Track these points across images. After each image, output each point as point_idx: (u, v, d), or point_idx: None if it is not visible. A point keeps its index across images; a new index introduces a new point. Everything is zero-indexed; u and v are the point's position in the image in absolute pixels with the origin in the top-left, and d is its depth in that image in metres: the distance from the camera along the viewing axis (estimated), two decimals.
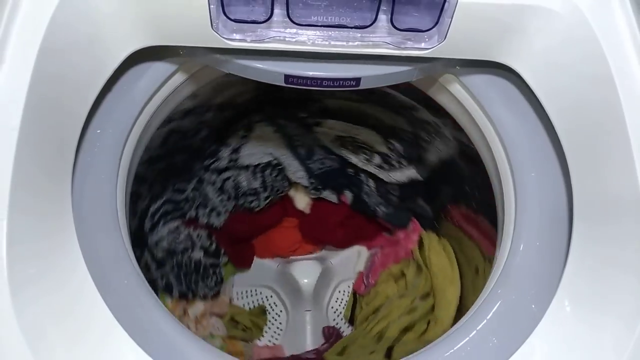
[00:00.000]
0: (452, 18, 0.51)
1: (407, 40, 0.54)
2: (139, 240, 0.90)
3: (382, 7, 0.52)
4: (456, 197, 0.98)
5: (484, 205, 0.82)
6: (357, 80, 0.58)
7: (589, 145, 0.50)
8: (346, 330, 1.12)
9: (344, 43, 0.54)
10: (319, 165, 1.05)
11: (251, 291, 1.13)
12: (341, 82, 0.58)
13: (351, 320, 1.12)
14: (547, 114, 0.57)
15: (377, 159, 1.05)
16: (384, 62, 0.59)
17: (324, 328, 1.10)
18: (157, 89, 0.61)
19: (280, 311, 1.13)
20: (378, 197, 1.07)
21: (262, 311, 1.11)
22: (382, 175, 1.05)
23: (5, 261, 0.40)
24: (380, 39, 0.54)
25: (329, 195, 1.08)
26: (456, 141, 0.85)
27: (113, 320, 0.45)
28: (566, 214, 0.55)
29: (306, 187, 1.07)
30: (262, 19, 0.53)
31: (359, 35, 0.54)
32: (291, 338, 1.09)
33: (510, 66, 0.56)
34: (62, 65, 0.47)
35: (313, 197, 1.10)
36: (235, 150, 1.03)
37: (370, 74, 0.58)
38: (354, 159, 1.05)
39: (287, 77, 0.58)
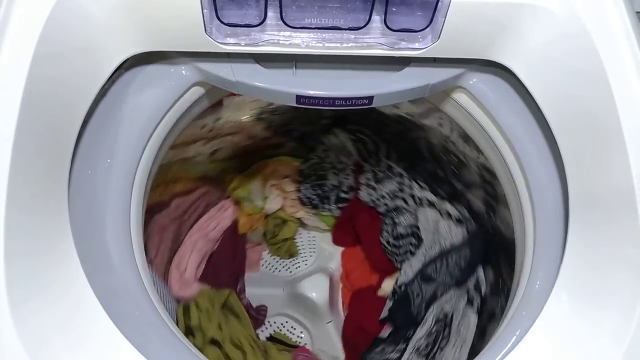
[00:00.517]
0: (445, 18, 0.52)
1: (400, 40, 0.55)
2: None
3: (376, 8, 0.53)
4: None
5: None
6: (370, 98, 0.58)
7: (583, 141, 0.50)
8: None
9: (338, 45, 0.54)
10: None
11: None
12: (354, 100, 0.58)
13: None
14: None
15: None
16: (397, 79, 0.58)
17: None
18: (171, 106, 0.59)
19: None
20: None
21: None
22: None
23: (4, 275, 0.40)
24: (374, 40, 0.54)
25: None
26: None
27: (114, 328, 0.45)
28: None
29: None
30: (255, 22, 0.53)
31: (353, 36, 0.54)
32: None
33: (504, 64, 0.56)
34: (56, 72, 0.46)
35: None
36: None
37: (382, 92, 0.58)
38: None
39: (299, 98, 0.57)
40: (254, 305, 1.08)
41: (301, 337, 1.09)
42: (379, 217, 1.07)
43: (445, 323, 0.91)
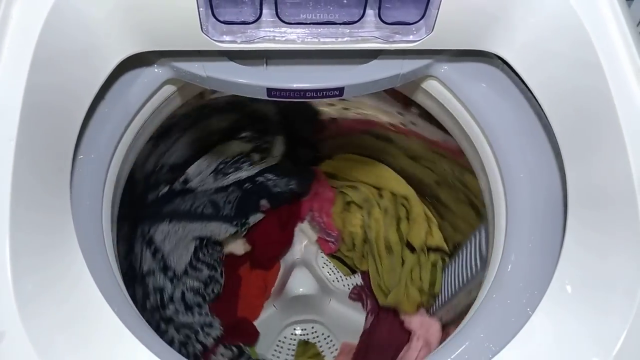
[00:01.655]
0: (438, 10, 0.52)
1: (395, 33, 0.55)
2: None
3: (370, 2, 0.53)
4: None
5: None
6: (341, 89, 0.59)
7: (580, 130, 0.51)
8: (358, 279, 1.15)
9: (334, 39, 0.55)
10: (229, 207, 1.03)
11: (279, 345, 1.11)
12: (324, 92, 0.58)
13: (352, 271, 1.17)
14: (535, 106, 0.58)
15: (255, 157, 1.06)
16: (367, 70, 0.59)
17: (349, 296, 1.13)
18: (148, 98, 0.61)
19: (312, 327, 1.12)
20: (283, 179, 1.08)
21: (304, 345, 1.09)
22: (270, 161, 1.07)
23: (10, 275, 0.40)
24: (369, 34, 0.55)
25: (254, 218, 1.07)
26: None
27: (120, 325, 0.45)
28: (559, 213, 0.55)
29: (236, 233, 1.05)
30: (251, 19, 0.53)
31: (348, 31, 0.55)
32: (343, 331, 1.10)
33: (499, 55, 0.56)
34: (55, 74, 0.47)
35: (244, 233, 1.09)
36: (164, 269, 0.96)
37: (353, 83, 0.59)
38: (242, 174, 1.05)
39: (270, 91, 0.58)
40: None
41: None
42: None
43: None
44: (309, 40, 0.55)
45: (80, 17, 0.49)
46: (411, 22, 0.54)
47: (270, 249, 1.15)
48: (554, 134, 0.53)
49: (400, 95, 0.71)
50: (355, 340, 1.05)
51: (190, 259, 0.99)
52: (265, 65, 0.60)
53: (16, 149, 0.42)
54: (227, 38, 0.54)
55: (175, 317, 0.95)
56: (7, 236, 0.41)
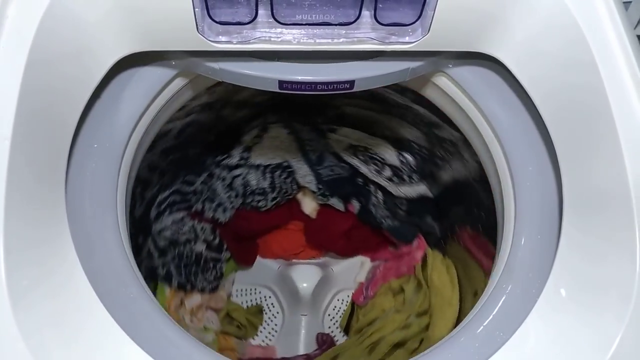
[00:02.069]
0: (434, 11, 0.52)
1: (391, 35, 0.55)
2: (144, 227, 0.91)
3: (365, 3, 0.53)
4: (465, 219, 0.96)
5: (490, 229, 0.79)
6: (351, 82, 0.59)
7: (576, 131, 0.51)
8: (340, 339, 1.12)
9: (329, 40, 0.55)
10: (328, 172, 1.05)
11: (250, 290, 1.14)
12: (335, 85, 0.59)
13: (346, 330, 1.12)
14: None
15: (387, 172, 1.06)
16: (377, 64, 0.59)
17: (317, 334, 1.10)
18: (157, 94, 0.61)
19: (277, 312, 1.13)
20: (385, 210, 1.07)
21: (259, 310, 1.12)
22: (392, 188, 1.06)
23: (4, 270, 0.41)
24: (365, 35, 0.55)
25: (336, 203, 1.08)
26: (475, 163, 0.82)
27: (112, 321, 0.45)
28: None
29: (314, 193, 1.07)
30: (247, 20, 0.53)
31: (344, 32, 0.55)
32: (285, 340, 1.09)
33: (494, 56, 0.56)
34: (50, 74, 0.47)
35: (320, 202, 1.10)
36: (248, 149, 1.04)
37: (363, 76, 0.59)
38: (364, 168, 1.05)
39: (281, 83, 0.58)
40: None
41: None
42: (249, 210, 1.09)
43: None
44: (304, 41, 0.55)
45: (76, 17, 0.49)
46: (407, 23, 0.54)
47: (325, 239, 1.14)
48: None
49: None
50: (280, 355, 1.06)
51: (268, 165, 1.05)
52: (276, 58, 0.60)
53: (11, 148, 0.43)
54: (223, 38, 0.54)
55: (215, 178, 1.02)
56: (2, 233, 0.41)
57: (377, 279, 1.10)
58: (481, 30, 0.55)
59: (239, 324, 1.06)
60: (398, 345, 0.96)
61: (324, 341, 1.09)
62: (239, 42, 0.54)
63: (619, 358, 0.43)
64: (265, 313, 1.12)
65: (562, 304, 0.47)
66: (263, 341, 1.09)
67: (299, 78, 0.58)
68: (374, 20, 0.54)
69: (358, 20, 0.54)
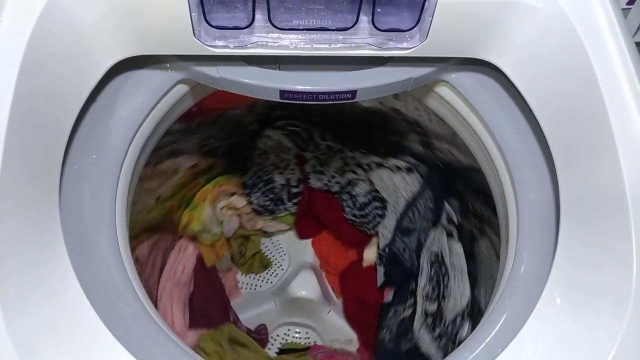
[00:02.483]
0: (432, 17, 0.52)
1: (389, 40, 0.55)
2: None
3: (363, 9, 0.53)
4: None
5: None
6: (353, 92, 0.59)
7: (573, 138, 0.51)
8: None
9: (327, 45, 0.55)
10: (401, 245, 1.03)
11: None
12: (337, 95, 0.58)
13: None
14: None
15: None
16: (379, 74, 0.59)
17: None
18: (161, 97, 0.61)
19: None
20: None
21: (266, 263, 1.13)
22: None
23: None
24: (362, 40, 0.55)
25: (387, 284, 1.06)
26: None
27: (102, 325, 0.45)
28: None
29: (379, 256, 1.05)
30: (244, 24, 0.53)
31: (341, 37, 0.54)
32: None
33: (492, 62, 0.56)
34: (45, 77, 0.47)
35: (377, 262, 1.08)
36: None
37: (365, 86, 0.59)
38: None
39: (282, 93, 0.58)
40: (253, 328, 1.08)
41: (309, 338, 1.10)
42: (335, 197, 1.09)
43: (439, 262, 0.95)
44: (301, 46, 0.54)
45: (71, 21, 0.48)
46: (405, 29, 0.54)
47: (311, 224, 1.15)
48: None
49: None
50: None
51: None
52: (277, 67, 0.60)
53: (4, 152, 0.42)
54: (220, 43, 0.54)
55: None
56: None
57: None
58: (479, 37, 0.54)
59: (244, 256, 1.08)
60: None
61: None
62: (235, 47, 0.54)
63: None
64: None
65: (559, 312, 0.47)
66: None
67: (301, 88, 0.57)
68: (372, 26, 0.54)
69: (356, 26, 0.54)
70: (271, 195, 1.11)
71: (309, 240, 1.19)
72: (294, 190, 1.12)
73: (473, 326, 0.86)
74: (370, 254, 1.09)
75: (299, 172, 1.11)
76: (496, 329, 0.50)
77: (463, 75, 0.61)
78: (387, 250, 1.02)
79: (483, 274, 0.86)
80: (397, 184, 1.02)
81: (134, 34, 0.52)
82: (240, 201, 1.10)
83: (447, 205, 0.99)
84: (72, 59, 0.49)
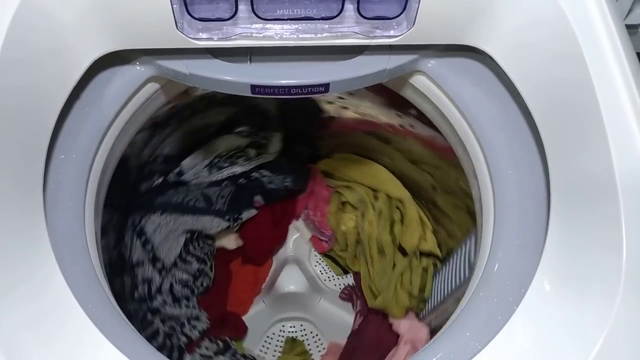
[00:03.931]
0: (419, 3, 0.51)
1: (375, 28, 0.54)
2: None
3: None
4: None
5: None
6: (326, 85, 0.57)
7: (563, 124, 0.50)
8: (350, 279, 1.15)
9: (312, 35, 0.54)
10: (221, 202, 1.02)
11: (267, 341, 1.11)
12: (309, 88, 0.57)
13: (345, 271, 1.16)
14: (522, 102, 0.57)
15: (251, 152, 1.05)
16: (354, 66, 0.58)
17: (340, 296, 1.12)
18: (131, 96, 0.59)
19: (301, 325, 1.12)
20: (278, 176, 1.08)
21: (292, 342, 1.09)
22: (266, 158, 1.06)
23: None
24: (349, 29, 0.54)
25: (248, 214, 1.06)
26: None
27: (89, 322, 0.45)
28: (545, 210, 0.54)
29: (228, 227, 1.04)
30: (227, 16, 0.52)
31: (327, 26, 0.53)
32: (331, 330, 1.09)
33: (481, 49, 0.55)
34: (24, 74, 0.46)
35: (236, 229, 1.08)
36: (153, 260, 0.94)
37: (338, 79, 0.57)
38: (237, 168, 1.04)
39: (254, 88, 0.57)
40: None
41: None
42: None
43: None
44: (287, 36, 0.53)
45: (50, 15, 0.47)
46: (391, 16, 0.53)
47: (262, 245, 1.14)
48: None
49: (397, 97, 0.70)
50: (343, 340, 1.05)
51: (180, 251, 0.98)
52: (249, 61, 0.59)
53: None
54: (203, 35, 0.53)
55: (162, 308, 0.94)
56: None
57: (319, 220, 1.14)
58: (468, 22, 0.53)
59: None
60: (391, 228, 1.04)
61: (349, 293, 1.11)
62: (219, 39, 0.53)
63: (607, 350, 0.42)
64: (297, 337, 1.10)
65: (549, 299, 0.47)
66: (321, 351, 1.09)
67: (273, 82, 0.56)
68: (358, 14, 0.53)
69: (341, 14, 0.53)
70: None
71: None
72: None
73: None
74: (230, 243, 1.10)
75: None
76: (469, 321, 0.49)
77: (439, 64, 0.60)
78: (227, 216, 1.04)
79: None
80: None
81: (115, 28, 0.51)
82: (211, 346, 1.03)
83: None
84: (52, 54, 0.48)
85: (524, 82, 0.53)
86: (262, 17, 0.52)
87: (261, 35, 0.53)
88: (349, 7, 0.53)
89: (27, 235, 0.47)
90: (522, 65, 0.53)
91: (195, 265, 1.01)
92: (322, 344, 1.09)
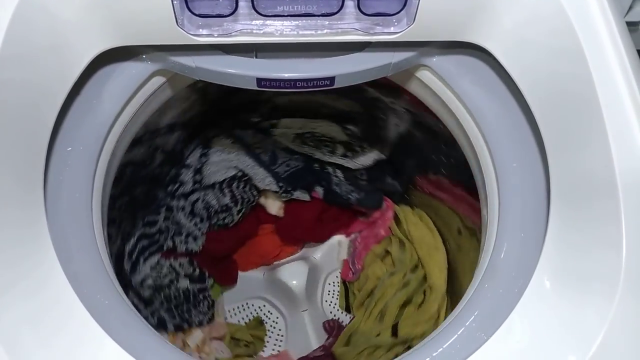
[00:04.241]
0: (419, 0, 0.51)
1: (375, 25, 0.54)
2: (123, 285, 0.84)
3: None
4: (421, 167, 1.01)
5: (452, 168, 0.85)
6: (331, 79, 0.58)
7: (563, 121, 0.50)
8: (345, 319, 1.12)
9: (313, 32, 0.54)
10: (284, 168, 1.04)
11: (243, 306, 1.11)
12: (315, 82, 0.57)
13: (347, 309, 1.13)
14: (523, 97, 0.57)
15: (340, 149, 1.06)
16: (359, 59, 0.58)
17: (324, 323, 1.09)
18: (137, 89, 0.59)
19: (277, 317, 1.11)
20: (348, 185, 1.07)
21: (259, 322, 1.10)
22: (348, 163, 1.06)
23: None
24: (349, 26, 0.54)
25: (301, 195, 1.07)
26: (409, 113, 0.88)
27: (90, 318, 0.45)
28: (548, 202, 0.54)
29: (276, 192, 1.06)
30: (227, 12, 0.52)
31: (327, 22, 0.53)
32: (294, 341, 1.08)
33: (481, 45, 0.55)
34: (25, 70, 0.46)
35: (284, 200, 1.09)
36: (198, 171, 1.01)
37: (344, 72, 0.58)
38: (317, 154, 1.05)
39: (260, 81, 0.57)
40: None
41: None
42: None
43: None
44: (287, 32, 0.53)
45: (50, 12, 0.47)
46: (392, 13, 0.53)
47: (297, 232, 1.13)
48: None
49: None
50: (295, 357, 1.04)
51: (223, 180, 1.02)
52: (255, 55, 0.59)
53: None
54: (204, 32, 0.53)
55: (175, 210, 0.99)
56: None
57: (360, 251, 1.12)
58: (468, 19, 0.53)
59: (246, 343, 1.05)
60: (405, 304, 0.99)
61: (332, 327, 1.08)
62: (220, 35, 0.53)
63: (606, 347, 0.42)
64: (266, 322, 1.10)
65: (548, 295, 0.47)
66: (274, 349, 1.08)
67: (278, 75, 0.56)
68: (358, 10, 0.53)
69: (341, 11, 0.53)
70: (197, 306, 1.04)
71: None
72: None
73: None
74: (273, 207, 1.10)
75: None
76: (475, 312, 0.49)
77: (444, 59, 0.60)
78: (281, 184, 1.05)
79: None
80: None
81: (116, 24, 0.51)
82: (196, 335, 1.00)
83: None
84: (52, 50, 0.48)
85: (524, 78, 0.53)
86: (263, 13, 0.52)
87: (261, 31, 0.53)
88: (349, 4, 0.53)
89: (27, 230, 0.47)
90: (522, 61, 0.53)
91: (226, 200, 1.03)
92: (280, 346, 1.09)
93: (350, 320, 1.06)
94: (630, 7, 0.93)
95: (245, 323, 1.09)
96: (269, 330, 1.09)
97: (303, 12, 0.53)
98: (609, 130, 0.45)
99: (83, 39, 0.50)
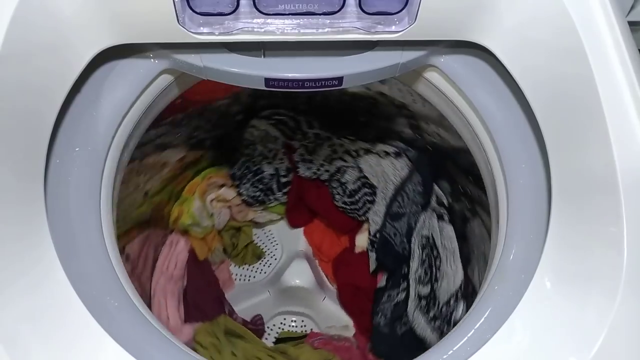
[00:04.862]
0: None
1: (377, 24, 0.54)
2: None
3: None
4: None
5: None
6: (340, 79, 0.58)
7: (564, 121, 0.50)
8: None
9: (314, 30, 0.54)
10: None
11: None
12: (323, 82, 0.57)
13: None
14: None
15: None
16: (367, 59, 0.58)
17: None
18: (145, 88, 0.59)
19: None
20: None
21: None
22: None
23: None
24: (350, 24, 0.54)
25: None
26: None
27: (89, 316, 0.45)
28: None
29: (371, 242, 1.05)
30: (228, 10, 0.52)
31: (328, 21, 0.53)
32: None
33: (483, 44, 0.55)
34: (25, 68, 0.46)
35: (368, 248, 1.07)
36: None
37: (352, 72, 0.57)
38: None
39: (268, 81, 0.57)
40: (249, 319, 1.07)
41: (305, 326, 1.10)
42: (324, 185, 1.09)
43: (430, 245, 0.96)
44: (288, 31, 0.53)
45: (51, 11, 0.47)
46: (393, 11, 0.53)
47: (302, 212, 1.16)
48: None
49: None
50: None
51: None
52: (262, 55, 0.59)
53: None
54: (205, 30, 0.53)
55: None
56: None
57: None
58: (470, 18, 0.53)
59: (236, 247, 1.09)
60: None
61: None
62: (221, 34, 0.53)
63: (607, 347, 0.42)
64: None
65: (550, 296, 0.47)
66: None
67: (285, 75, 0.56)
68: (359, 9, 0.53)
69: (343, 9, 0.53)
70: (260, 186, 1.10)
71: (301, 229, 1.18)
72: (283, 180, 1.11)
73: (467, 306, 0.86)
74: (361, 240, 1.09)
75: (288, 162, 1.10)
76: (486, 314, 0.49)
77: (452, 60, 0.60)
78: (378, 235, 1.02)
79: (476, 254, 0.86)
80: (386, 169, 1.01)
81: (117, 22, 0.51)
82: (229, 193, 1.09)
83: (436, 188, 0.99)
84: (52, 49, 0.48)
85: (526, 78, 0.53)
86: (264, 11, 0.52)
87: (262, 30, 0.53)
88: (351, 3, 0.53)
89: (26, 228, 0.47)
90: (524, 61, 0.53)
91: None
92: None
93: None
94: (633, 7, 0.93)
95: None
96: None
97: (304, 10, 0.53)
98: (610, 129, 0.45)
99: (83, 38, 0.50)
